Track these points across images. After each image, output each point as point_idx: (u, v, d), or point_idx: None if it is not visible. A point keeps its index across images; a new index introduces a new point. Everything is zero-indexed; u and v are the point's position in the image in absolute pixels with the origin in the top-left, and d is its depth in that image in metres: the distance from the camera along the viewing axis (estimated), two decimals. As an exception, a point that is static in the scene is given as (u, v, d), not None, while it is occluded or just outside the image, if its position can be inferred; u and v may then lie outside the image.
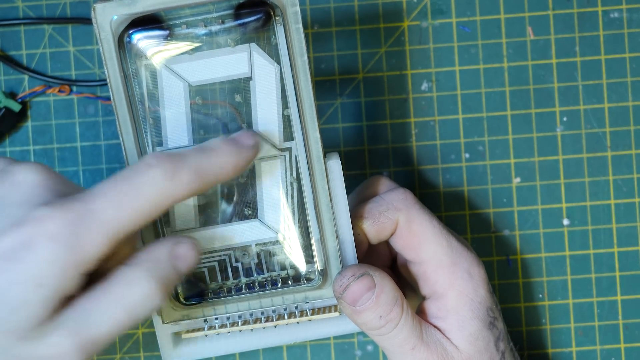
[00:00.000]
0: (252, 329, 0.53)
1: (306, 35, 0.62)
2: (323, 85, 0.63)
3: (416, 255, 0.55)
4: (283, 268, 0.53)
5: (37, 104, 0.63)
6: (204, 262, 0.53)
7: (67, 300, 0.45)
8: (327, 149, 0.63)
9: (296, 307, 0.53)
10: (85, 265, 0.44)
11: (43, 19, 0.63)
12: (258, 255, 0.53)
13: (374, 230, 0.54)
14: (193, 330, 0.53)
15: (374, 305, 0.52)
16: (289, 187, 0.52)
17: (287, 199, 0.52)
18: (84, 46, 0.63)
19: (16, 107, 0.62)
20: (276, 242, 0.53)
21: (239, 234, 0.52)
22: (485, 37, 0.63)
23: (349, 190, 0.56)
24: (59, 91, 0.63)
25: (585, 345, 0.63)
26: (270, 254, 0.53)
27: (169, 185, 0.45)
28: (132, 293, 0.45)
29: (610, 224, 0.63)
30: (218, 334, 0.54)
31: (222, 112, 0.51)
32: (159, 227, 0.51)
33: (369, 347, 0.63)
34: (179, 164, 0.46)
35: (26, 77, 0.63)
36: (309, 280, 0.53)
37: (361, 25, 0.63)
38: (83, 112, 0.63)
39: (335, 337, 0.63)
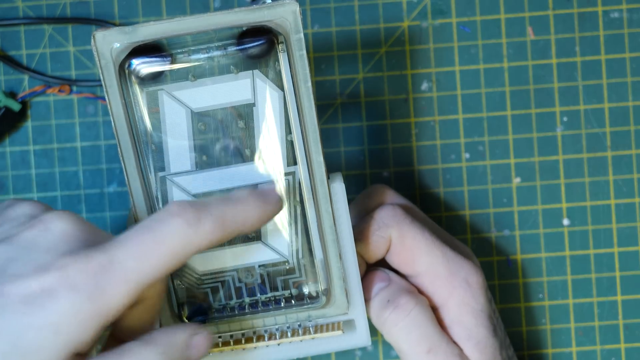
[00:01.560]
0: (255, 347, 0.53)
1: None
2: (323, 85, 0.63)
3: (412, 269, 0.55)
4: (286, 288, 0.53)
5: (37, 104, 0.63)
6: (207, 282, 0.53)
7: (80, 358, 0.45)
8: (327, 149, 0.63)
9: (299, 326, 0.53)
10: (106, 317, 0.44)
11: (43, 19, 0.63)
12: (262, 275, 0.53)
13: (368, 251, 0.54)
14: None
15: (385, 290, 0.53)
16: (293, 210, 0.52)
17: (291, 222, 0.52)
18: (84, 46, 0.63)
19: (16, 106, 0.62)
20: (280, 264, 0.53)
21: (243, 255, 0.52)
22: (485, 37, 0.63)
23: (349, 194, 0.56)
24: (59, 91, 0.63)
25: (585, 345, 0.63)
26: (274, 275, 0.53)
27: (191, 235, 0.45)
28: None
29: (610, 224, 0.63)
30: (221, 352, 0.53)
31: (225, 137, 0.51)
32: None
33: (369, 347, 0.63)
34: (203, 213, 0.46)
35: (26, 77, 0.63)
36: (312, 299, 0.53)
37: (361, 25, 0.63)
38: (83, 112, 0.63)
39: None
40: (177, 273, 0.53)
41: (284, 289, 0.53)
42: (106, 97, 0.49)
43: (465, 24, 0.63)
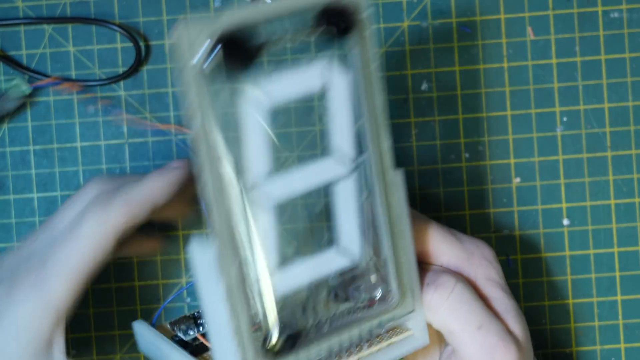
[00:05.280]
0: None
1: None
2: (323, 85, 0.63)
3: (432, 259, 0.55)
4: (359, 295, 0.50)
5: (37, 104, 0.63)
6: (286, 304, 0.48)
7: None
8: (327, 149, 0.63)
9: (372, 335, 0.50)
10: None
11: (43, 19, 0.63)
12: (335, 286, 0.49)
13: None
14: None
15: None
16: (363, 205, 0.49)
17: (362, 219, 0.49)
18: (84, 46, 0.63)
19: (27, 89, 0.62)
20: (352, 269, 0.49)
21: (318, 267, 0.48)
22: (485, 37, 0.63)
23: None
24: (71, 87, 0.62)
25: (585, 345, 0.63)
26: (346, 283, 0.50)
27: (106, 218, 0.53)
28: None
29: (610, 224, 0.63)
30: None
31: (300, 130, 0.50)
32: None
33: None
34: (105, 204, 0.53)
35: (26, 77, 0.63)
36: (382, 302, 0.50)
37: (361, 25, 0.63)
38: (83, 112, 0.63)
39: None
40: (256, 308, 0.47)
41: (357, 296, 0.50)
42: (186, 100, 0.44)
43: (465, 24, 0.63)
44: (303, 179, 0.47)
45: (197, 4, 0.63)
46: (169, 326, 0.55)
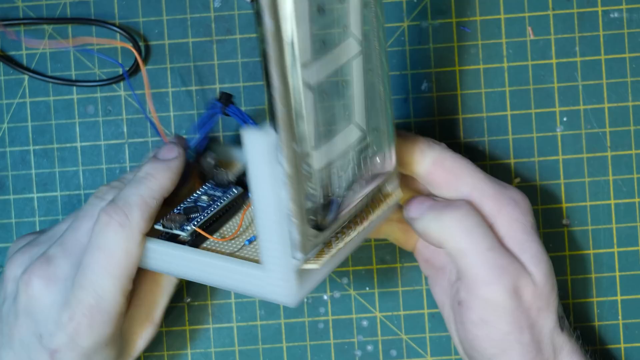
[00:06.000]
0: (357, 233, 0.52)
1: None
2: (323, 85, 0.63)
3: (456, 190, 0.55)
4: (367, 165, 0.52)
5: (37, 104, 0.63)
6: (324, 179, 0.51)
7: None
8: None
9: (374, 198, 0.53)
10: None
11: (43, 19, 0.63)
12: (355, 158, 0.52)
13: (414, 156, 0.56)
14: (318, 256, 0.51)
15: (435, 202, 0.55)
16: (366, 83, 0.51)
17: (366, 96, 0.51)
18: (83, 46, 0.63)
19: None
20: (362, 140, 0.52)
21: (343, 141, 0.51)
22: (485, 37, 0.63)
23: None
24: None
25: (585, 345, 0.63)
26: (360, 156, 0.52)
27: (128, 230, 0.53)
28: None
29: (610, 224, 0.63)
30: (338, 250, 0.52)
31: (337, 103, 0.50)
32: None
33: (369, 347, 0.63)
34: (126, 208, 0.53)
35: (26, 77, 0.63)
36: (383, 167, 0.53)
37: (361, 25, 0.63)
38: (83, 112, 0.63)
39: (335, 337, 0.63)
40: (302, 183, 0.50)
41: (367, 165, 0.52)
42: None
43: (465, 24, 0.63)
44: (333, 59, 0.49)
45: (197, 4, 0.63)
46: (161, 228, 0.55)
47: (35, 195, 0.63)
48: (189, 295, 0.63)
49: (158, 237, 0.54)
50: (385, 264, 0.63)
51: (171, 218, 0.55)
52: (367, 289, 0.63)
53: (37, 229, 0.63)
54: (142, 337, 0.57)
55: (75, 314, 0.53)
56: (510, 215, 0.55)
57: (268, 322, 0.63)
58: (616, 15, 0.62)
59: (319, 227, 0.50)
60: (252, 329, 0.63)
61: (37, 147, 0.63)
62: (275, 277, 0.50)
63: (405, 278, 0.63)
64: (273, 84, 0.45)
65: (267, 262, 0.50)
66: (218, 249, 0.54)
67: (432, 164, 0.55)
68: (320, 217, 0.50)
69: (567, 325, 0.56)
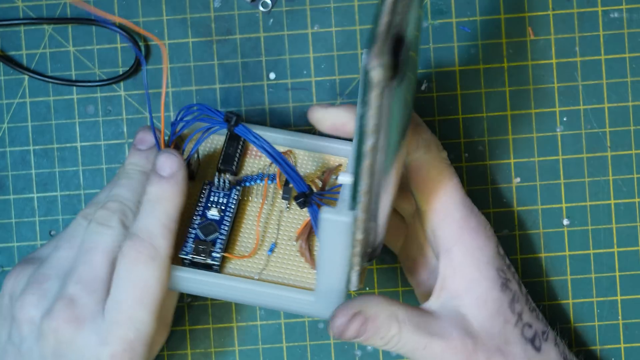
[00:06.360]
0: None
1: (306, 35, 0.62)
2: (323, 85, 0.63)
3: (426, 200, 0.55)
4: None
5: (37, 104, 0.63)
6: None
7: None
8: (327, 149, 0.63)
9: None
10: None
11: (43, 19, 0.63)
12: None
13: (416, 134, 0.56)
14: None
15: (372, 334, 0.53)
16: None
17: None
18: (84, 46, 0.63)
19: None
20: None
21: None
22: (485, 37, 0.63)
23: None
24: None
25: (585, 345, 0.63)
26: None
27: (159, 260, 0.53)
28: None
29: (610, 224, 0.63)
30: None
31: None
32: None
33: (369, 347, 0.63)
34: (153, 239, 0.53)
35: (26, 77, 0.63)
36: None
37: (361, 25, 0.63)
38: (83, 112, 0.63)
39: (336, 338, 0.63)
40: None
41: None
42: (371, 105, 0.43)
43: (465, 24, 0.63)
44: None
45: (197, 4, 0.63)
46: (191, 258, 0.55)
47: (35, 195, 0.63)
48: (189, 296, 0.63)
49: (183, 264, 0.55)
50: (385, 264, 0.63)
51: (197, 249, 0.55)
52: (367, 289, 0.63)
53: (37, 229, 0.63)
54: (159, 343, 0.58)
55: (116, 351, 0.53)
56: (467, 245, 0.55)
57: (268, 322, 0.63)
58: (616, 15, 0.62)
59: (368, 260, 0.54)
60: (252, 329, 0.63)
61: (37, 147, 0.63)
62: (328, 301, 0.54)
63: (404, 278, 0.63)
64: (362, 188, 0.47)
65: (321, 291, 0.53)
66: (247, 268, 0.56)
67: (420, 164, 0.56)
68: (370, 252, 0.54)
69: (551, 337, 0.56)
